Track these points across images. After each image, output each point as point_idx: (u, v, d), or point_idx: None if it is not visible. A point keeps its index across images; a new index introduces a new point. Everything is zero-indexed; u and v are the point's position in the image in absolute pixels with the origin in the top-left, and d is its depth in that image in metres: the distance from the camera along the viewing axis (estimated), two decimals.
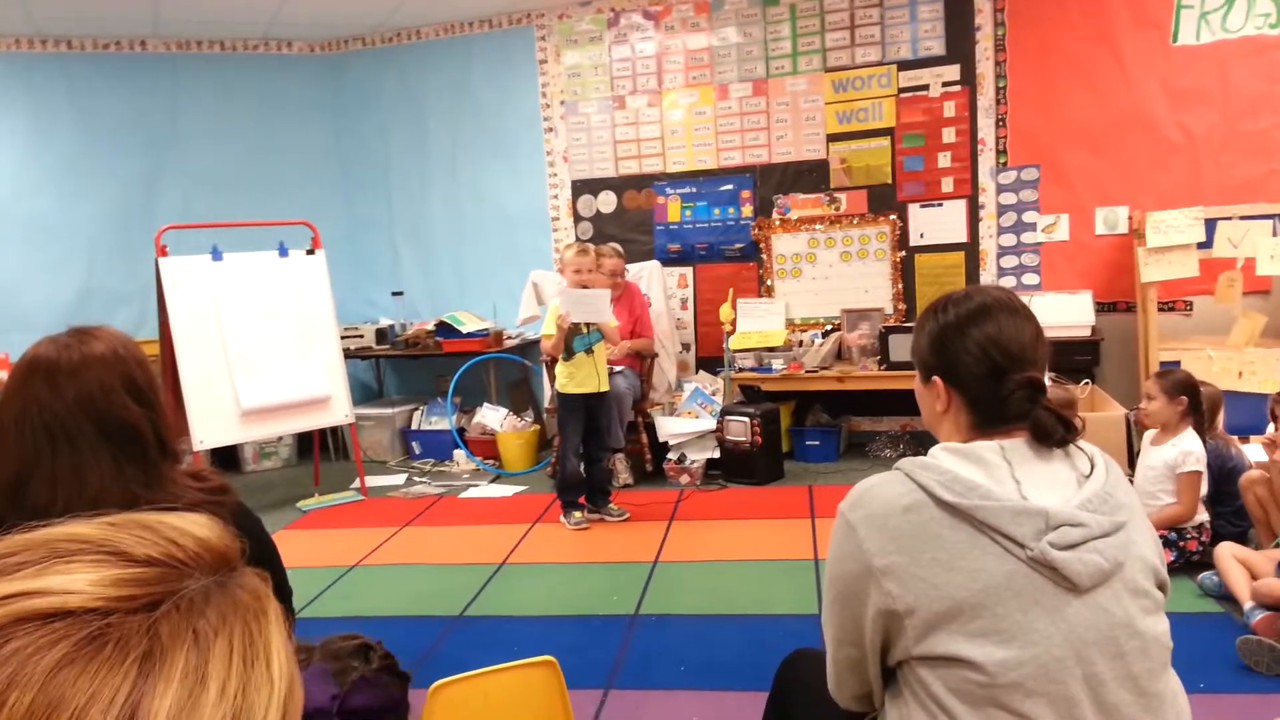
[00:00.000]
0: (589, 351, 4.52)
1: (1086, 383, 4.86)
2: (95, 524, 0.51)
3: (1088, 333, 5.10)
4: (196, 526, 0.53)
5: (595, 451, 4.70)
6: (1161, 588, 1.35)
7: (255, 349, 5.11)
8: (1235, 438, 3.95)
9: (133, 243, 6.12)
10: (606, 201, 6.40)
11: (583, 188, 6.44)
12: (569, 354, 4.49)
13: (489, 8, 6.28)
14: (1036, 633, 1.23)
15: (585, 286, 4.50)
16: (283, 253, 5.38)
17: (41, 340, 1.53)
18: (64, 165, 6.20)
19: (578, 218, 6.47)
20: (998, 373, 1.37)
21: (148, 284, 5.45)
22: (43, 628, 0.44)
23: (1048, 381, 1.40)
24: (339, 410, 5.44)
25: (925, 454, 1.38)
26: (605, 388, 4.63)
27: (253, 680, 0.48)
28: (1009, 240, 5.64)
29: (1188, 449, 3.45)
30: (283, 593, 1.72)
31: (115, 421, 1.48)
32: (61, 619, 0.45)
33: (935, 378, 1.45)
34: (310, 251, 5.49)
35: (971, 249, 5.70)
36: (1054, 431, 1.34)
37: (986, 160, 5.63)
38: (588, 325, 4.51)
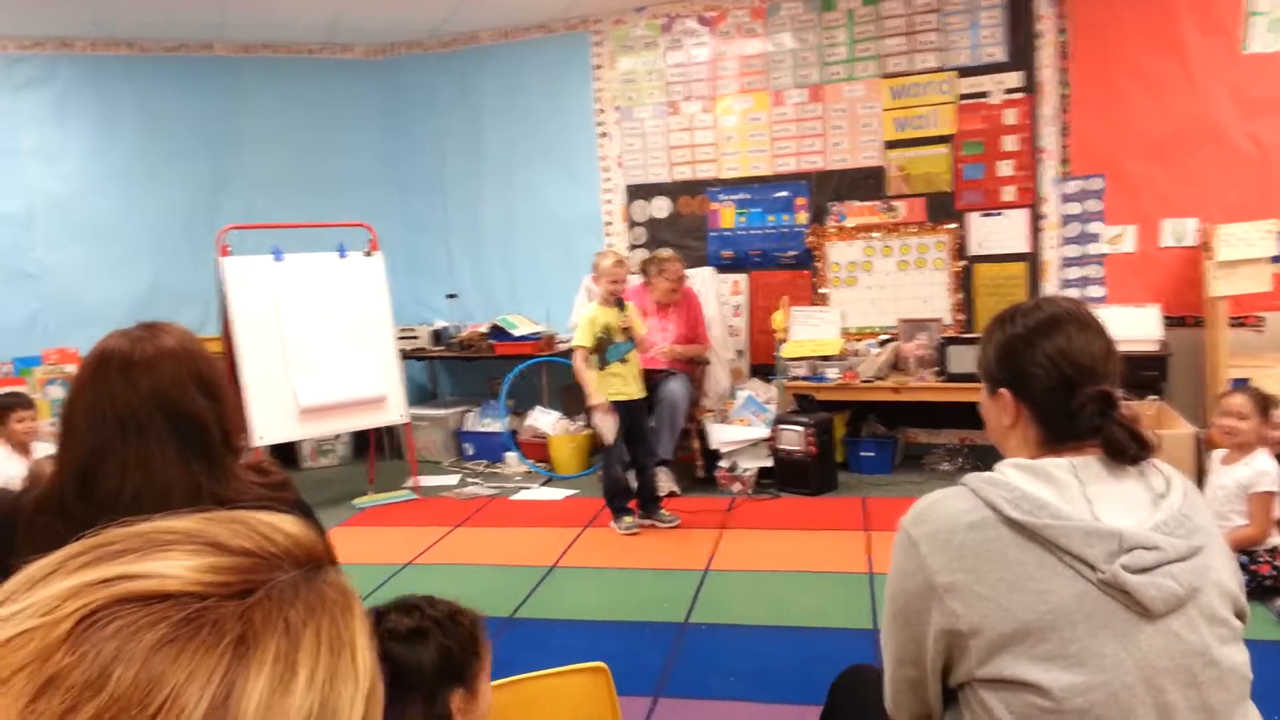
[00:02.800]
0: (623, 361, 4.53)
1: (1154, 399, 4.73)
2: (191, 518, 0.53)
3: (1155, 347, 4.97)
4: (288, 523, 0.55)
5: (643, 458, 4.69)
6: (1240, 616, 1.29)
7: (314, 348, 5.20)
8: None
9: (196, 242, 6.24)
10: (660, 207, 6.40)
11: (637, 193, 6.44)
12: (602, 364, 4.50)
13: (544, 13, 6.32)
14: (1106, 658, 1.18)
15: (619, 297, 4.53)
16: (341, 254, 5.46)
17: (112, 333, 1.56)
18: (129, 165, 6.36)
19: (631, 223, 6.48)
20: (1068, 386, 1.33)
21: (211, 283, 5.56)
22: (143, 608, 0.46)
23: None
24: (394, 410, 5.50)
25: (990, 469, 1.34)
26: (642, 394, 4.64)
27: (340, 671, 0.50)
28: (1073, 251, 5.53)
29: (1263, 468, 3.35)
30: None
31: (185, 414, 1.51)
32: (160, 601, 0.46)
33: (1003, 390, 1.41)
34: (368, 253, 5.57)
35: (1033, 260, 5.59)
36: (1127, 448, 1.29)
37: (1049, 169, 5.52)
38: (621, 333, 4.52)
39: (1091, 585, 1.20)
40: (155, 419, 1.49)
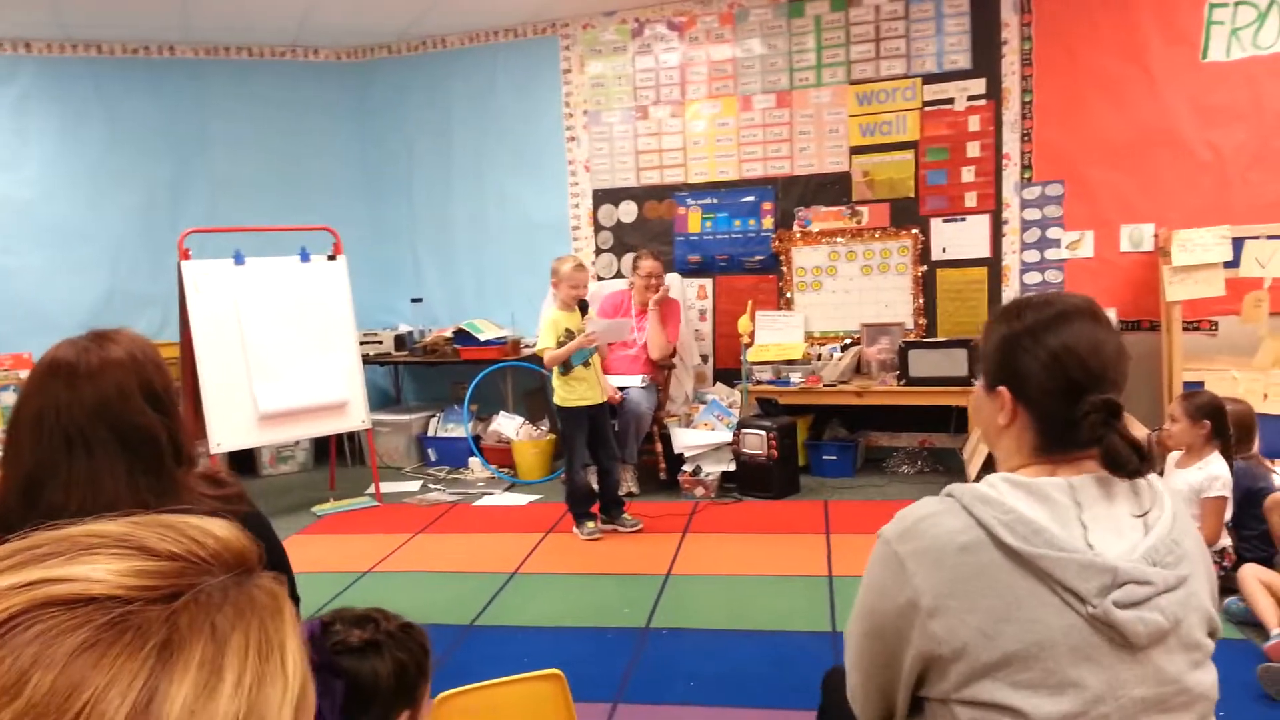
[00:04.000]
0: (586, 364, 4.54)
1: None
2: (118, 522, 0.53)
3: None
4: (217, 527, 0.55)
5: (605, 462, 4.69)
6: (1213, 634, 1.29)
7: (275, 353, 5.14)
8: (1269, 461, 3.86)
9: (158, 246, 6.16)
10: (627, 211, 6.40)
11: (604, 197, 6.44)
12: (567, 368, 4.51)
13: (514, 17, 6.30)
14: (1087, 690, 1.17)
15: (581, 301, 4.59)
16: (304, 258, 5.41)
17: (60, 342, 1.53)
18: (92, 168, 6.27)
19: (598, 227, 6.47)
20: (1073, 390, 1.26)
21: (171, 287, 5.48)
22: (65, 612, 0.45)
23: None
24: (356, 415, 5.45)
25: (969, 479, 1.31)
26: (604, 398, 4.66)
27: (267, 675, 0.49)
28: (1033, 256, 5.59)
29: (1214, 474, 3.39)
30: (291, 598, 1.71)
31: (132, 427, 1.48)
32: (84, 605, 0.46)
33: (1001, 389, 1.33)
34: (332, 257, 5.52)
35: (994, 264, 5.65)
36: (1128, 462, 1.23)
37: (1011, 175, 5.58)
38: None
39: (1080, 618, 1.18)
40: (100, 433, 1.46)
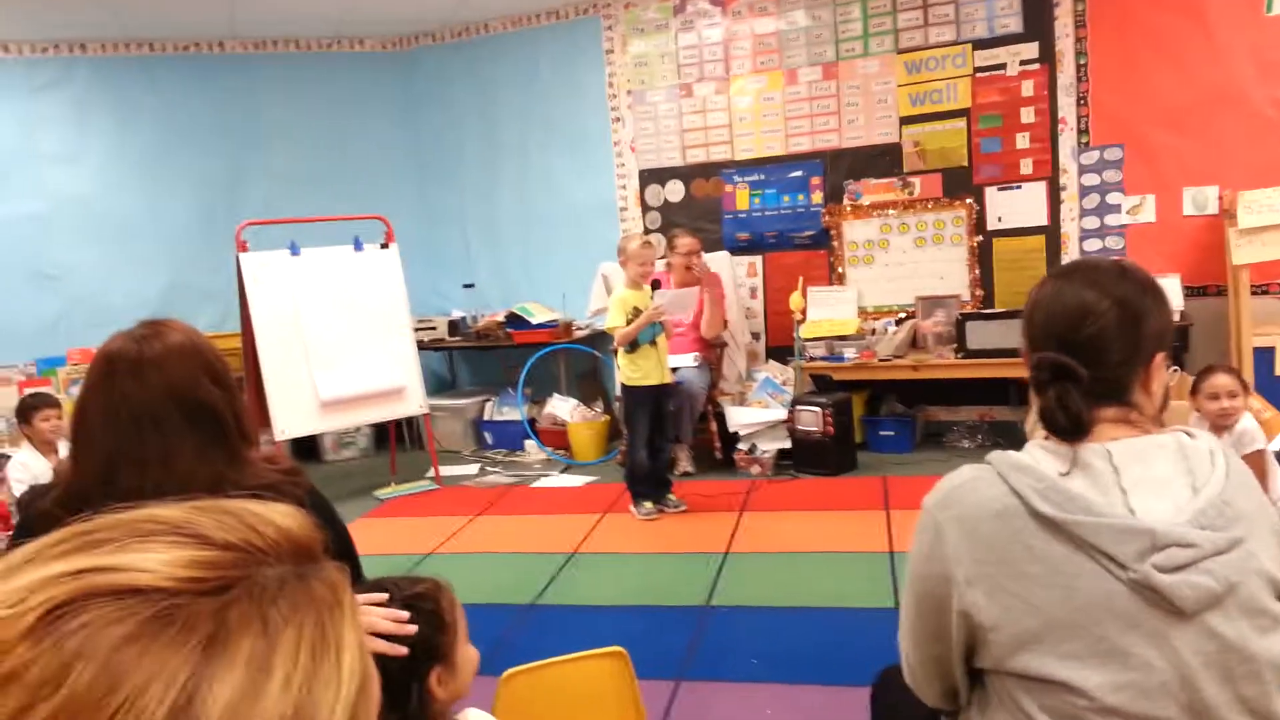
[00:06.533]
0: (653, 343, 4.53)
1: (1175, 370, 4.67)
2: (179, 507, 0.51)
3: (1176, 318, 4.90)
4: (280, 515, 0.52)
5: (659, 442, 4.69)
6: None
7: (332, 341, 5.23)
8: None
9: (215, 240, 6.28)
10: (674, 191, 6.37)
11: (650, 177, 6.42)
12: (633, 346, 4.50)
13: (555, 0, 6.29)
14: (1136, 657, 1.14)
15: (651, 280, 4.55)
16: (358, 247, 5.48)
17: (115, 335, 1.58)
18: (148, 164, 6.41)
19: (645, 207, 6.46)
20: (1057, 347, 1.26)
21: (229, 280, 5.60)
22: (112, 603, 0.44)
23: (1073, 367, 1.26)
24: (413, 401, 5.53)
25: (1014, 448, 1.29)
26: (669, 379, 4.65)
27: (320, 675, 0.47)
28: (1092, 223, 5.46)
29: (1244, 427, 3.27)
30: (356, 578, 1.75)
31: (200, 406, 1.54)
32: (131, 596, 0.44)
33: (1024, 348, 1.35)
34: (384, 245, 5.59)
35: (1053, 232, 5.53)
36: (1055, 424, 1.23)
37: (1067, 140, 5.45)
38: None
39: (1121, 584, 1.15)
40: (172, 414, 1.51)
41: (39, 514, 1.53)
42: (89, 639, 0.43)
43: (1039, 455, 1.25)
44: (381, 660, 1.39)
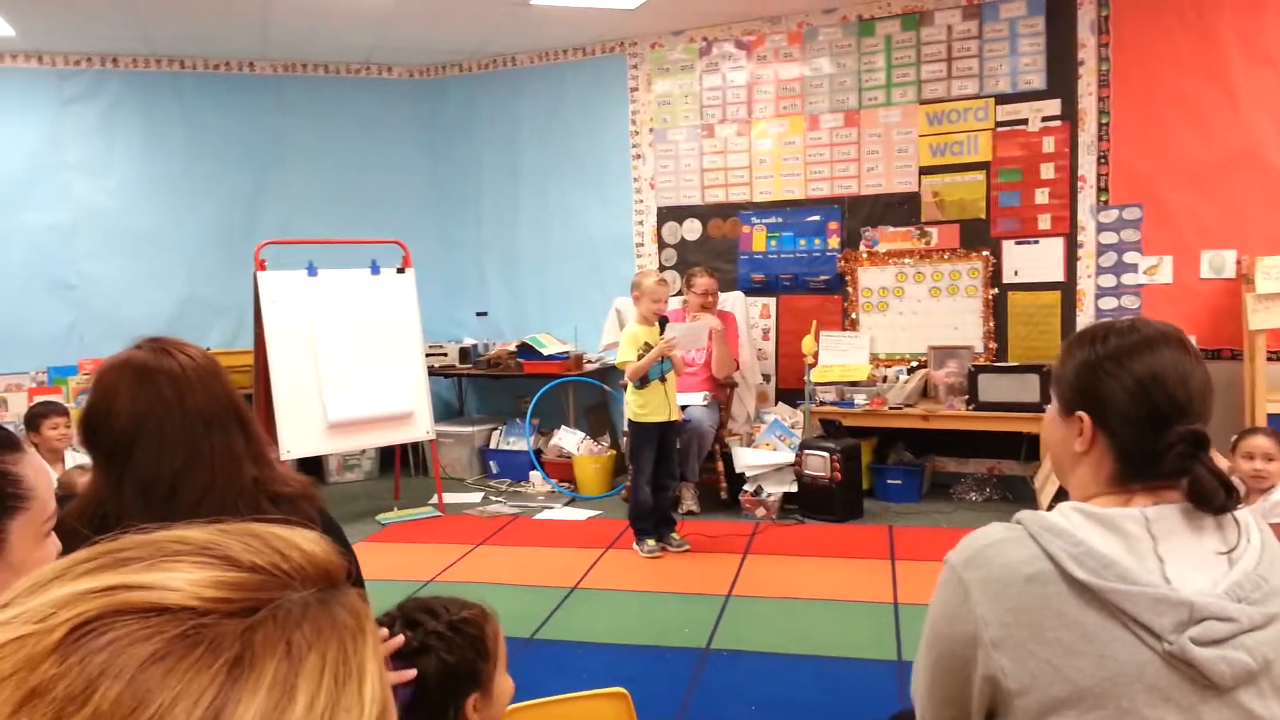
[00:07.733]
0: (662, 379, 4.53)
1: None
2: (206, 529, 0.51)
3: None
4: (305, 540, 0.53)
5: (663, 479, 4.67)
6: None
7: (344, 363, 5.23)
8: None
9: (233, 257, 6.33)
10: (691, 229, 6.40)
11: (668, 215, 6.45)
12: (643, 382, 4.50)
13: (583, 36, 6.36)
14: None
15: (662, 317, 4.55)
16: (374, 270, 5.51)
17: (133, 351, 1.57)
18: (173, 179, 6.47)
19: (662, 244, 6.48)
20: (1159, 420, 1.21)
21: (244, 297, 5.63)
22: (139, 621, 0.44)
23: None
24: (421, 426, 5.52)
25: (1041, 509, 1.26)
26: (677, 416, 4.64)
27: (342, 700, 0.47)
28: (1109, 281, 5.45)
29: (1277, 498, 3.25)
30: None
31: (239, 410, 1.62)
32: (158, 614, 0.45)
33: (1081, 414, 1.28)
34: (401, 270, 5.61)
35: (1068, 288, 5.52)
36: (1215, 496, 1.18)
37: (1087, 198, 5.46)
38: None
39: (1155, 655, 1.12)
40: (227, 419, 1.57)
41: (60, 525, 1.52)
42: (115, 656, 0.43)
43: (1074, 519, 1.22)
44: (422, 680, 1.39)
